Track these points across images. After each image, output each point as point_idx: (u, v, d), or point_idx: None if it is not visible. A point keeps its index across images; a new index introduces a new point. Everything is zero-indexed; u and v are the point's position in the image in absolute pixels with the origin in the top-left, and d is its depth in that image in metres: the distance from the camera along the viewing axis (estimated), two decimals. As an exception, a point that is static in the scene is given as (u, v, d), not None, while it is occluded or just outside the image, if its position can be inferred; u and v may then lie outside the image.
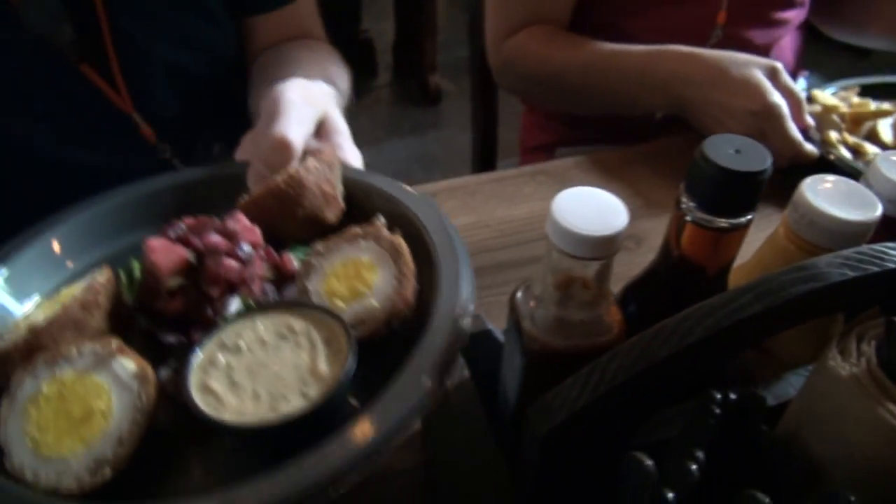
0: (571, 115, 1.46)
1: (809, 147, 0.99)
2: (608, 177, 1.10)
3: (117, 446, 0.47)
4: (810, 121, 1.02)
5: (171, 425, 0.53)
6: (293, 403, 0.49)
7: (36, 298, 0.64)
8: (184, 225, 0.62)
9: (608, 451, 0.50)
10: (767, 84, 1.01)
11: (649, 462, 0.39)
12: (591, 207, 0.47)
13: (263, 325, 0.55)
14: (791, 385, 0.56)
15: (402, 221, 0.67)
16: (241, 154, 0.77)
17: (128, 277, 0.63)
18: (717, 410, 0.46)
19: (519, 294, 0.55)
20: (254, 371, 0.51)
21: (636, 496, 0.41)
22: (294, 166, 0.69)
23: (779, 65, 1.03)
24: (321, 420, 0.49)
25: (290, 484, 0.44)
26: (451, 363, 0.53)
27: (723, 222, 0.49)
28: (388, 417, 0.49)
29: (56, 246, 0.68)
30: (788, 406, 0.50)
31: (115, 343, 0.50)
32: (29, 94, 0.91)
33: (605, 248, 0.47)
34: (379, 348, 0.57)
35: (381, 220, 0.64)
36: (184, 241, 0.59)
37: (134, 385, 0.49)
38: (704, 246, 0.52)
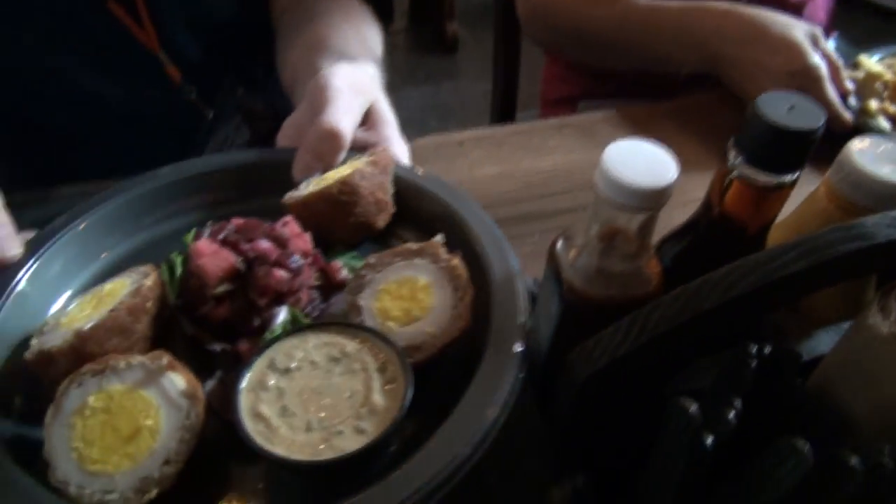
0: (596, 68, 1.44)
1: (846, 113, 0.98)
2: (636, 132, 1.09)
3: (164, 466, 0.46)
4: (850, 86, 1.00)
5: (215, 440, 0.51)
6: (347, 439, 0.47)
7: (68, 293, 0.62)
8: (233, 226, 0.60)
9: (642, 398, 0.52)
10: (808, 45, 1.00)
11: (694, 407, 0.40)
12: (642, 159, 0.48)
13: (314, 345, 0.52)
14: (821, 342, 0.57)
15: (454, 229, 0.64)
16: (282, 140, 0.76)
17: (170, 273, 0.61)
18: (754, 363, 0.48)
19: (559, 244, 0.56)
20: (306, 398, 0.49)
21: (677, 439, 0.42)
22: (348, 170, 0.66)
23: (819, 30, 1.02)
24: (375, 455, 0.48)
25: None
26: (511, 394, 0.51)
27: (770, 179, 0.50)
28: (449, 453, 0.47)
29: (89, 236, 0.65)
30: (821, 361, 0.51)
31: (165, 358, 0.49)
32: (57, 30, 0.91)
33: (653, 200, 0.47)
34: (429, 369, 0.55)
35: (439, 239, 0.60)
36: (232, 245, 0.57)
37: (183, 403, 0.47)
38: (748, 203, 0.52)
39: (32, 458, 0.47)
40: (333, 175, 0.67)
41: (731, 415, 0.43)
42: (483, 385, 0.51)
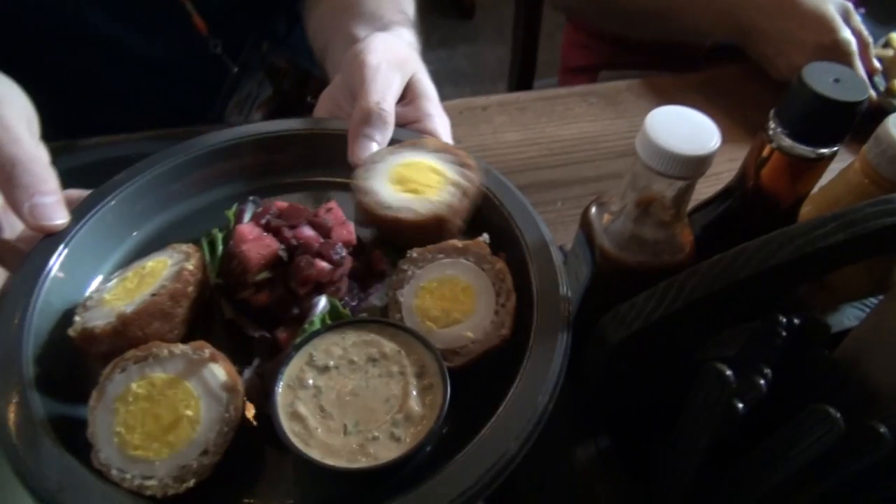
0: (619, 37, 1.42)
1: (871, 92, 0.97)
2: (661, 103, 1.07)
3: (202, 456, 0.46)
4: (877, 64, 0.99)
5: (253, 430, 0.51)
6: (383, 446, 0.47)
7: (111, 263, 0.62)
8: (276, 209, 0.59)
9: (669, 364, 0.53)
10: (839, 20, 0.98)
11: (729, 372, 0.41)
12: (684, 126, 0.48)
13: (353, 343, 0.52)
14: (846, 316, 0.57)
15: (503, 230, 0.61)
16: (319, 112, 0.75)
17: (210, 249, 0.60)
18: (783, 333, 0.48)
19: (593, 209, 0.56)
20: (343, 400, 0.49)
21: (709, 403, 0.43)
22: (436, 179, 0.62)
23: (850, 5, 1.00)
24: (410, 462, 0.47)
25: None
26: (536, 430, 0.49)
27: (810, 151, 0.50)
28: (504, 442, 0.47)
29: (119, 214, 0.63)
30: (849, 334, 0.52)
31: (207, 350, 0.49)
32: None
33: (694, 167, 0.47)
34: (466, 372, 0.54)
35: (485, 239, 0.58)
36: (275, 231, 0.57)
37: (223, 396, 0.48)
38: (785, 176, 0.53)
39: (74, 435, 0.48)
40: (414, 175, 0.62)
41: (762, 382, 0.44)
42: (531, 373, 0.51)
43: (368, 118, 0.66)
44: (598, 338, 0.49)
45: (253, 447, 0.51)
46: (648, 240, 0.53)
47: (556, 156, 0.99)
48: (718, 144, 0.47)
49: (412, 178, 0.62)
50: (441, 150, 0.65)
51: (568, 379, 0.57)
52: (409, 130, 0.70)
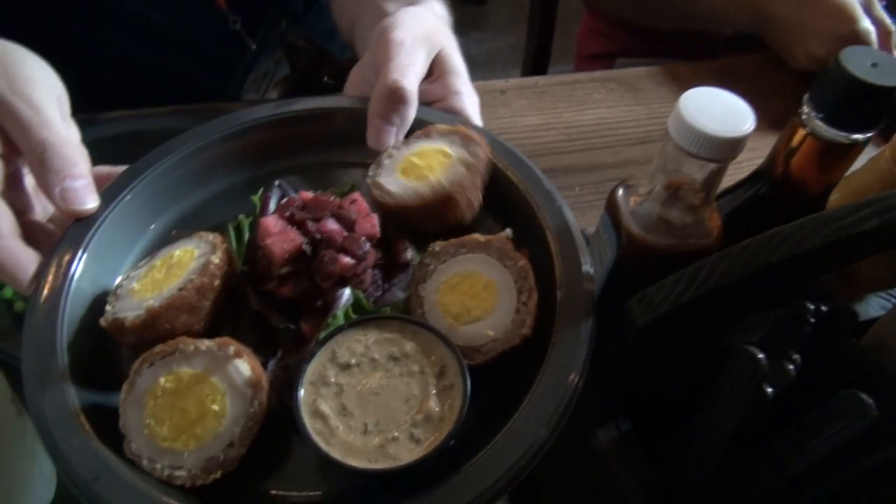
0: (637, 24, 1.41)
1: None
2: (681, 90, 1.06)
3: (228, 448, 0.48)
4: (899, 53, 0.98)
5: (277, 421, 0.51)
6: (402, 446, 0.47)
7: (139, 247, 0.61)
8: (300, 201, 0.58)
9: (694, 349, 0.52)
10: (860, 9, 0.97)
11: (761, 355, 0.41)
12: (718, 108, 0.47)
13: (375, 341, 0.52)
14: (871, 306, 0.57)
15: (529, 221, 0.60)
16: (349, 90, 0.74)
17: (237, 236, 0.60)
18: (812, 320, 0.48)
19: (619, 191, 0.56)
20: (364, 399, 0.49)
21: (739, 388, 0.43)
22: (441, 158, 0.61)
23: None
24: (429, 464, 0.47)
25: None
26: (566, 414, 0.48)
27: (844, 137, 0.49)
28: (498, 470, 0.46)
29: (148, 197, 0.62)
30: (875, 323, 0.51)
31: (233, 347, 0.50)
32: None
33: (727, 150, 0.47)
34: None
35: (508, 234, 0.57)
36: (299, 224, 0.56)
37: (248, 392, 0.49)
38: (817, 162, 0.52)
39: (106, 424, 0.49)
40: (422, 162, 0.62)
41: (791, 368, 0.44)
42: (559, 357, 0.50)
43: (387, 98, 0.64)
44: (623, 320, 0.49)
45: (278, 439, 0.51)
46: (676, 223, 0.53)
47: (574, 141, 0.98)
48: (753, 127, 0.46)
49: (419, 165, 0.62)
50: (449, 132, 0.64)
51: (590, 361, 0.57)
52: (436, 110, 0.69)
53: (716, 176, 0.50)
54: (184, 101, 0.91)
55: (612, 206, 0.56)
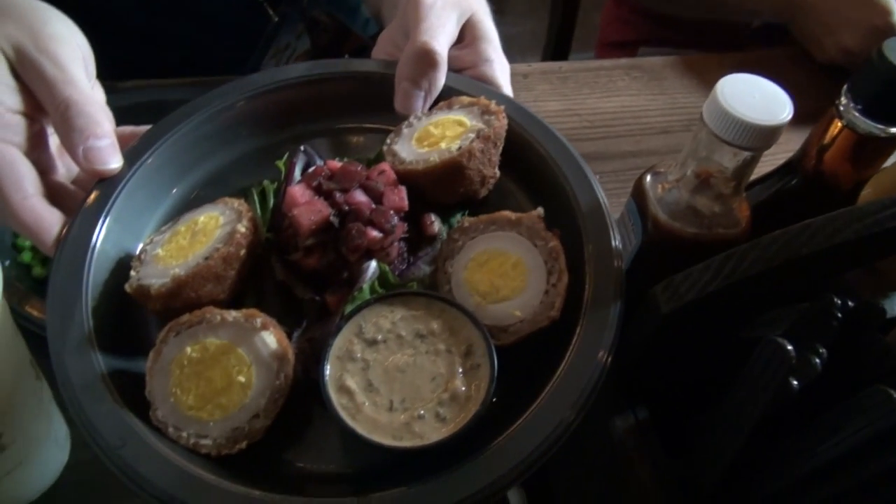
0: (663, 13, 1.39)
1: None
2: (705, 81, 1.06)
3: (253, 419, 0.48)
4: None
5: (302, 393, 0.51)
6: (428, 425, 0.47)
7: (163, 209, 0.61)
8: (328, 170, 0.57)
9: (716, 339, 0.52)
10: (895, 2, 0.96)
11: (790, 347, 0.40)
12: (756, 95, 0.46)
13: (402, 317, 0.51)
14: (897, 304, 0.56)
15: (557, 195, 0.59)
16: (377, 53, 0.72)
17: (261, 200, 0.60)
18: (839, 314, 0.47)
19: (647, 178, 0.55)
20: (391, 375, 0.49)
21: (764, 379, 0.42)
22: (458, 129, 0.60)
23: None
24: (455, 443, 0.47)
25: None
26: (591, 397, 0.48)
27: (881, 130, 0.48)
28: (520, 452, 0.46)
29: (172, 159, 0.62)
30: (902, 321, 0.50)
31: (259, 319, 0.49)
32: None
33: (763, 138, 0.46)
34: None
35: (540, 213, 0.56)
36: (326, 194, 0.55)
37: (274, 365, 0.48)
38: (852, 155, 0.51)
39: (132, 391, 0.49)
40: (437, 131, 0.62)
41: (817, 361, 0.43)
42: (586, 339, 0.50)
43: (416, 61, 0.63)
44: (647, 307, 0.49)
45: (302, 412, 0.51)
46: (704, 212, 0.52)
47: (596, 128, 0.97)
48: (790, 116, 0.45)
49: (434, 134, 0.62)
50: (472, 104, 0.63)
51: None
52: (465, 77, 0.68)
53: (748, 165, 0.49)
54: (203, 73, 0.91)
55: (639, 193, 0.55)
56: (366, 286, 0.53)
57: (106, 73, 0.79)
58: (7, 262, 0.73)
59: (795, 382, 0.42)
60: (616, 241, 0.54)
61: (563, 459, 0.61)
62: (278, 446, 0.50)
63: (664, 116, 1.01)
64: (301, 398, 0.50)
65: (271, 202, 0.59)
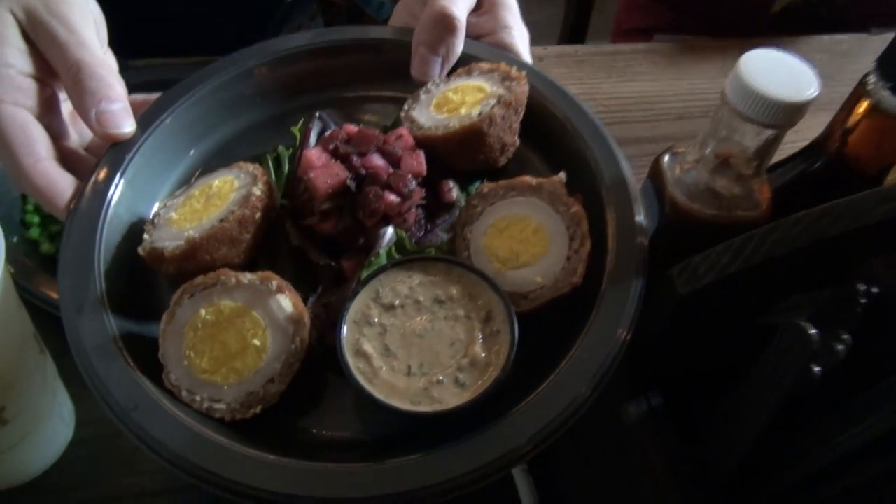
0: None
1: None
2: (724, 66, 1.04)
3: (268, 384, 0.47)
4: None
5: (316, 360, 0.50)
6: (447, 390, 0.46)
7: (177, 174, 0.60)
8: (345, 134, 0.56)
9: (733, 324, 0.50)
10: None
11: (814, 331, 0.39)
12: (781, 71, 0.44)
13: (420, 283, 0.50)
14: (923, 292, 0.54)
15: (578, 161, 0.57)
16: (394, 21, 0.71)
17: (276, 166, 0.59)
18: (863, 301, 0.45)
19: (665, 158, 0.53)
20: (408, 340, 0.48)
21: (785, 364, 0.41)
22: (477, 95, 0.59)
23: None
24: (475, 409, 0.46)
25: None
26: (609, 373, 0.47)
27: (912, 110, 0.46)
28: (542, 418, 0.45)
29: (186, 124, 0.61)
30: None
31: (275, 281, 0.48)
32: None
33: (788, 115, 0.44)
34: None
35: (562, 178, 0.54)
36: (343, 158, 0.54)
37: (289, 329, 0.47)
38: (879, 136, 0.49)
39: (145, 354, 0.48)
40: (457, 97, 0.60)
41: (840, 348, 0.41)
42: (606, 314, 0.48)
43: (434, 26, 0.61)
44: (663, 289, 0.47)
45: (317, 378, 0.50)
46: (724, 193, 0.50)
47: (612, 113, 0.95)
48: (817, 93, 0.44)
49: (454, 99, 0.60)
50: (492, 70, 0.62)
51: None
52: (483, 44, 0.67)
53: (771, 144, 0.47)
54: (215, 53, 0.89)
55: (656, 174, 0.54)
56: (382, 252, 0.52)
57: (118, 52, 0.78)
58: (15, 239, 0.73)
59: (817, 369, 0.40)
60: (640, 217, 0.52)
61: (571, 444, 0.60)
62: (293, 412, 0.49)
63: (681, 102, 0.99)
64: (316, 364, 0.49)
65: (286, 168, 0.58)
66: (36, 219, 0.74)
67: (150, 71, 0.89)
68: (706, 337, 0.50)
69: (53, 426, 0.60)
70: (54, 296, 0.66)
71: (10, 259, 0.69)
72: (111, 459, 0.64)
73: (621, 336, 0.47)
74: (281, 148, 0.59)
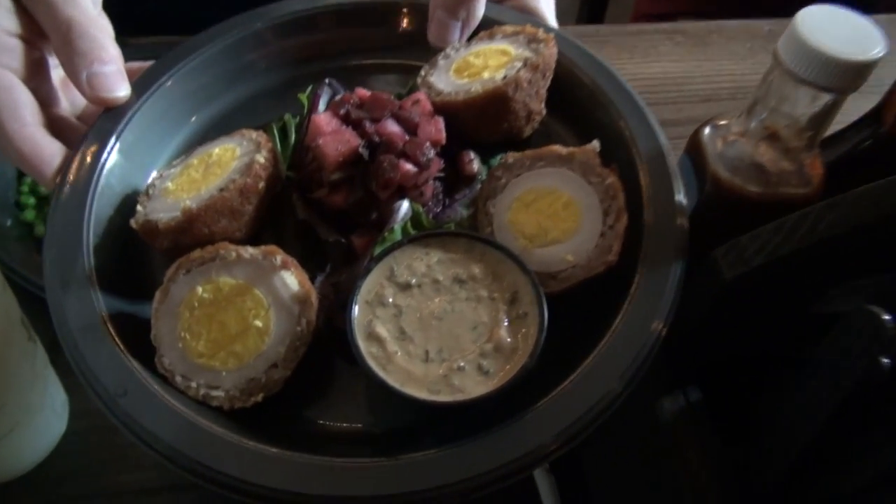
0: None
1: None
2: (755, 48, 0.99)
3: (272, 370, 0.43)
4: None
5: (323, 344, 0.46)
6: (469, 378, 0.42)
7: (175, 143, 0.57)
8: (357, 98, 0.52)
9: (784, 311, 0.46)
10: None
11: (888, 317, 0.34)
12: (843, 28, 0.40)
13: (438, 260, 0.46)
14: None
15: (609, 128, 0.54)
16: None
17: (282, 136, 0.54)
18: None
19: (705, 131, 0.49)
20: (426, 323, 0.43)
21: (848, 356, 0.36)
22: (501, 59, 0.55)
23: None
24: (499, 399, 0.42)
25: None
26: (643, 368, 0.43)
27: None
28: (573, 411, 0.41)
29: (184, 90, 0.57)
30: None
31: (279, 256, 0.44)
32: None
33: (850, 76, 0.39)
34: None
35: (595, 147, 0.50)
36: (355, 124, 0.50)
37: (295, 309, 0.43)
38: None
39: (136, 336, 0.44)
40: (478, 61, 0.56)
41: (910, 338, 0.37)
42: (641, 301, 0.44)
43: None
44: (705, 274, 0.43)
45: (325, 362, 0.46)
46: (771, 168, 0.46)
47: (635, 94, 0.91)
48: (884, 52, 0.39)
49: (475, 64, 0.56)
50: (516, 32, 0.57)
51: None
52: (506, 8, 0.62)
53: (828, 112, 0.43)
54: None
55: (695, 148, 0.49)
56: (397, 227, 0.48)
57: (118, 28, 0.75)
58: (9, 222, 0.69)
59: (887, 361, 0.36)
60: (680, 195, 0.47)
61: (598, 441, 0.56)
62: (298, 401, 0.45)
63: (708, 84, 0.94)
64: (324, 349, 0.45)
65: (293, 138, 0.54)
66: (31, 200, 0.70)
67: (151, 49, 0.85)
68: (752, 326, 0.45)
69: (45, 418, 0.56)
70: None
71: (1, 243, 0.66)
72: (108, 454, 0.60)
73: (657, 329, 0.43)
74: (287, 116, 0.55)
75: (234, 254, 0.44)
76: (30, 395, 0.53)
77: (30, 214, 0.70)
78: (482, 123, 0.53)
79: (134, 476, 0.59)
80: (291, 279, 0.44)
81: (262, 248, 0.44)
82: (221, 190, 0.46)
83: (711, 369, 0.47)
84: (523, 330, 0.43)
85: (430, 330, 0.43)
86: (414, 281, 0.45)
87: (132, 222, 0.47)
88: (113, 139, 0.50)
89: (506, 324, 0.43)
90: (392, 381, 0.41)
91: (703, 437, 0.45)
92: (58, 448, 0.59)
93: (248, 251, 0.44)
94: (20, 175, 0.73)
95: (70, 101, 0.55)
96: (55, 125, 0.51)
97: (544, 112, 0.56)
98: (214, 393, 0.42)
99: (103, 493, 0.58)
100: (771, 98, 0.43)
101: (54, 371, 0.58)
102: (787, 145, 0.45)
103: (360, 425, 0.44)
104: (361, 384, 0.45)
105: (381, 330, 0.43)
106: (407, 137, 0.49)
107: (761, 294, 0.42)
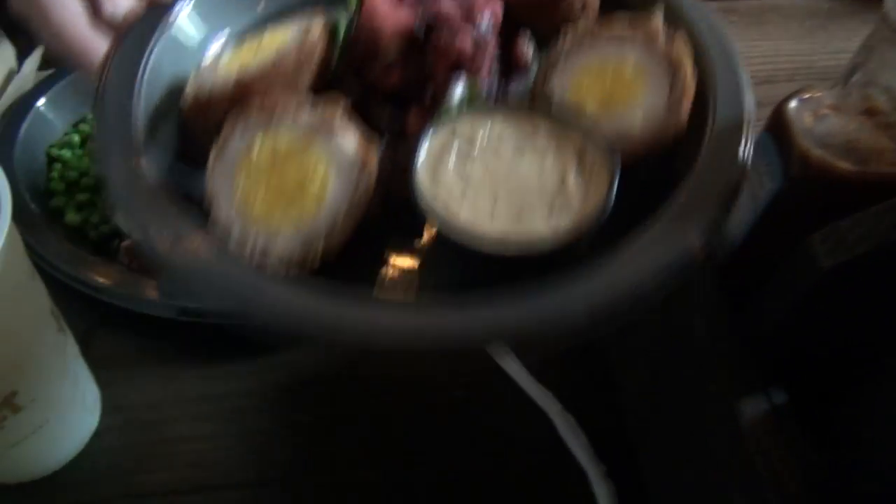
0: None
1: None
2: (815, 27, 0.93)
3: (328, 237, 0.41)
4: None
5: (378, 216, 0.44)
6: (538, 224, 0.40)
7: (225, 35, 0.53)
8: None
9: (889, 306, 0.41)
10: None
11: None
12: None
13: (502, 123, 0.45)
14: None
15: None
16: None
17: (331, 38, 0.50)
18: None
19: (792, 104, 0.44)
20: (492, 180, 0.42)
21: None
22: None
23: None
24: (566, 255, 0.40)
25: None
26: (725, 216, 0.41)
27: None
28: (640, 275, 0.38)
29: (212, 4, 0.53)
30: None
31: (339, 118, 0.42)
32: None
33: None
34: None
35: (659, 19, 0.47)
36: (410, 5, 0.48)
37: (353, 172, 0.41)
38: None
39: (189, 201, 0.41)
40: None
41: None
42: (716, 150, 0.42)
43: None
44: (799, 262, 0.38)
45: (379, 235, 0.45)
46: (869, 145, 0.41)
47: (689, 77, 0.86)
48: None
49: None
50: None
51: (731, 315, 0.46)
52: None
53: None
54: None
55: (778, 125, 0.44)
56: (454, 106, 0.46)
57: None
58: (39, 210, 0.67)
59: None
60: (748, 102, 0.46)
61: (659, 444, 0.52)
62: (351, 269, 0.43)
63: (766, 65, 0.89)
64: (378, 220, 0.44)
65: (342, 34, 0.51)
66: (61, 186, 0.68)
67: None
68: (850, 321, 0.41)
69: (75, 414, 0.54)
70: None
71: (30, 231, 0.63)
72: (140, 452, 0.57)
73: (732, 181, 0.41)
74: (338, 11, 0.51)
75: (292, 111, 0.42)
76: (59, 390, 0.50)
77: (60, 200, 0.67)
78: (535, 13, 0.50)
79: (167, 475, 0.57)
80: (351, 142, 0.42)
81: (322, 106, 0.42)
82: (275, 63, 0.44)
83: (801, 367, 0.43)
84: (594, 181, 0.42)
85: (496, 186, 0.42)
86: (477, 142, 0.44)
87: (181, 104, 0.45)
88: (160, 28, 0.48)
89: (574, 175, 0.42)
90: (462, 224, 0.40)
91: (792, 443, 0.41)
92: (88, 446, 0.56)
93: (308, 109, 0.42)
94: (50, 161, 0.71)
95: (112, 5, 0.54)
96: (100, 28, 0.52)
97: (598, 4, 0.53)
98: (271, 257, 0.40)
99: (134, 493, 0.55)
100: (875, 60, 0.38)
101: (86, 364, 0.55)
102: (888, 120, 0.40)
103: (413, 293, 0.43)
104: (413, 257, 0.44)
105: (445, 189, 0.42)
106: (464, 21, 0.47)
107: (865, 285, 0.38)
